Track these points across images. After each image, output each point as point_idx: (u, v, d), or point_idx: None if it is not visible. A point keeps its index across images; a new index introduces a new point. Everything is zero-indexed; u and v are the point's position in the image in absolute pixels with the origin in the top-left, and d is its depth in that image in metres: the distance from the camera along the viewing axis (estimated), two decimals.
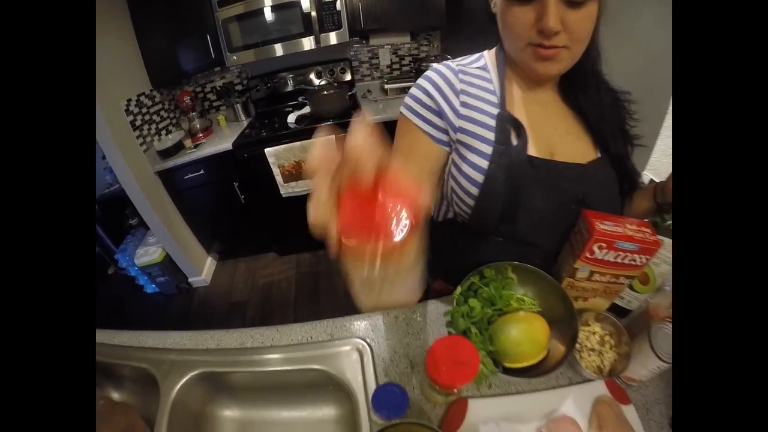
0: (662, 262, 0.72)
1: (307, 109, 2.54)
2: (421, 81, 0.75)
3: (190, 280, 2.78)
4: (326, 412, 0.88)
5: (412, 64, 3.02)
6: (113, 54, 2.06)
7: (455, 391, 0.62)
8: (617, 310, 0.81)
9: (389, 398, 0.58)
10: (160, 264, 2.56)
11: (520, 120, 0.70)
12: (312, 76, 2.79)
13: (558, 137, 0.73)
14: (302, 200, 2.49)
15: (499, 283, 0.73)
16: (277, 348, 0.84)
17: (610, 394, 0.70)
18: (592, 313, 0.77)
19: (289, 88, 2.80)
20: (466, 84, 0.73)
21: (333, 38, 2.40)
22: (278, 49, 2.41)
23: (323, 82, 2.70)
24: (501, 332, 0.67)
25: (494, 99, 0.73)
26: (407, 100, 0.76)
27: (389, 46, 2.94)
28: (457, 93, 0.73)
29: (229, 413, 0.91)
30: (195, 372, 0.83)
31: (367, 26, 2.47)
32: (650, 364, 0.64)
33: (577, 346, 0.74)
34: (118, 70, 2.11)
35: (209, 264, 2.94)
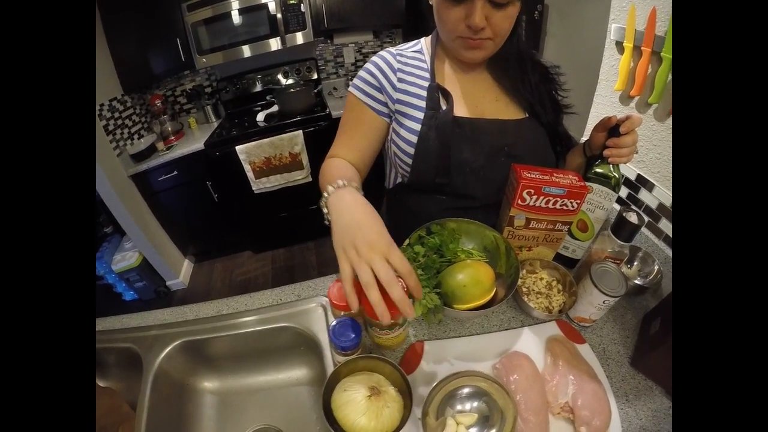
0: (596, 208, 0.81)
1: (275, 108, 2.59)
2: (366, 65, 0.87)
3: (168, 283, 2.76)
4: (299, 373, 0.94)
5: None
6: None
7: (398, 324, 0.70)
8: (567, 262, 0.89)
9: (344, 330, 0.65)
10: (137, 268, 2.54)
11: (450, 90, 0.82)
12: (279, 75, 2.83)
13: (487, 102, 0.84)
14: (273, 195, 2.56)
15: (444, 237, 0.81)
16: (250, 311, 0.90)
17: (563, 334, 0.77)
18: (539, 261, 0.85)
19: (258, 88, 2.84)
20: (403, 64, 0.85)
21: (299, 38, 2.47)
22: (246, 51, 2.46)
23: (290, 81, 2.76)
24: (448, 276, 0.74)
25: (426, 75, 0.84)
26: (354, 81, 0.88)
27: (353, 45, 3.00)
28: (394, 71, 0.84)
29: (209, 385, 0.95)
30: (176, 342, 0.87)
31: (331, 26, 2.55)
32: (596, 300, 0.72)
33: (525, 290, 0.82)
34: None
35: (186, 266, 2.94)
